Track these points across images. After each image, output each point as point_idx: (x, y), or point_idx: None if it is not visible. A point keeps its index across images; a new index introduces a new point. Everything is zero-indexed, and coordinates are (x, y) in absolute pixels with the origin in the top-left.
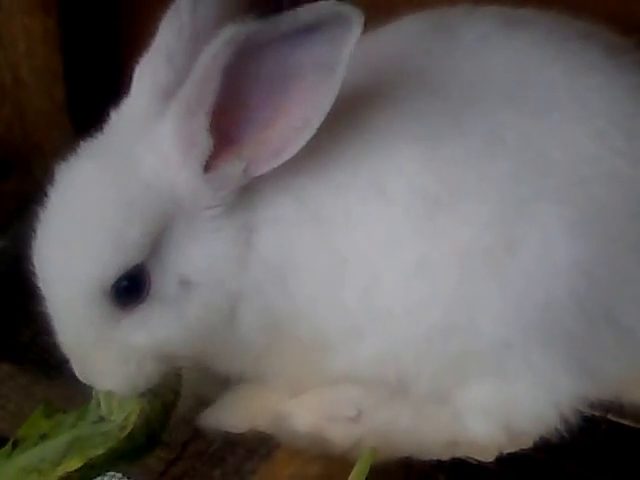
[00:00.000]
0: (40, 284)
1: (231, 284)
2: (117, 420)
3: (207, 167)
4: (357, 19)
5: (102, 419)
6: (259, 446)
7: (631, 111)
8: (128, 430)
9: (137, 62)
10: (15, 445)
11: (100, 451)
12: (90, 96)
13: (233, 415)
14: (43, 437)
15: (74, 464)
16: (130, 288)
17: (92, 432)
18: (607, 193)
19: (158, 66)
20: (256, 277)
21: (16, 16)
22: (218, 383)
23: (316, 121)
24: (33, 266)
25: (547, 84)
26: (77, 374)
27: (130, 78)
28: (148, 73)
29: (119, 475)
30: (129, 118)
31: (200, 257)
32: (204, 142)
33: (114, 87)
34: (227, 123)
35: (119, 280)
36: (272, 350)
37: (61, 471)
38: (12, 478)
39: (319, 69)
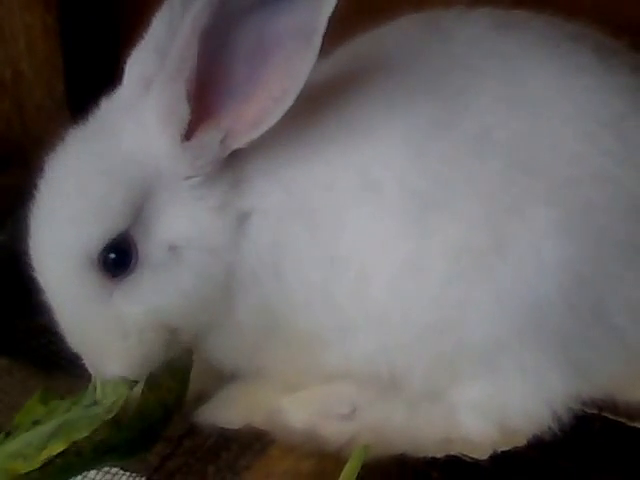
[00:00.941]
0: (34, 266)
1: (222, 254)
2: (108, 404)
3: (186, 137)
4: None
5: (95, 403)
6: (253, 442)
7: (621, 112)
8: (113, 413)
9: None
10: (9, 432)
11: (84, 434)
12: (90, 91)
13: (228, 411)
14: (36, 423)
15: (57, 447)
16: (117, 258)
17: (81, 416)
18: (596, 193)
19: (148, 58)
20: (250, 262)
21: (16, 12)
22: (213, 379)
23: (294, 91)
24: (30, 260)
25: (537, 85)
26: (85, 363)
27: None
28: (138, 65)
29: (115, 469)
30: (116, 106)
31: (183, 223)
32: (183, 111)
33: (114, 82)
34: (207, 94)
35: (105, 249)
36: (267, 344)
37: (45, 455)
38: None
39: (297, 36)
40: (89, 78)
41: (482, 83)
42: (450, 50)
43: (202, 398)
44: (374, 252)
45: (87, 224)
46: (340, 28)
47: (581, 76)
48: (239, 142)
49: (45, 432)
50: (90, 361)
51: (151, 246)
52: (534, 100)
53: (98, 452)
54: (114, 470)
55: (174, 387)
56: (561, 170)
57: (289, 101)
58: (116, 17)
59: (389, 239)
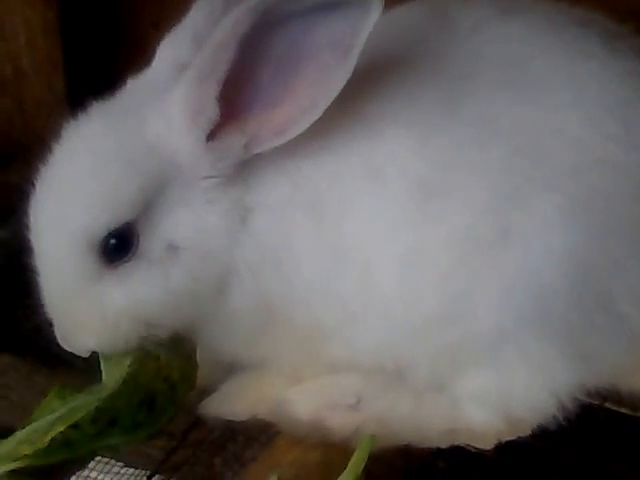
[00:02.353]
0: (31, 235)
1: (220, 256)
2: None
3: (210, 137)
4: (378, 2)
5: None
6: (259, 434)
7: (626, 97)
8: (110, 389)
9: (136, 53)
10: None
11: (84, 412)
12: (90, 87)
13: (234, 403)
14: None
15: (59, 428)
16: (118, 245)
17: (87, 399)
18: (601, 180)
19: (183, 44)
20: (249, 257)
21: (17, 8)
22: (218, 371)
23: (323, 103)
24: (30, 227)
25: (542, 71)
26: (57, 334)
27: (130, 68)
28: (171, 48)
29: (120, 464)
30: (144, 87)
31: (190, 225)
32: (211, 111)
33: (114, 78)
34: (235, 95)
35: (108, 236)
36: (266, 335)
37: (49, 436)
38: (7, 452)
39: (334, 49)
40: (89, 74)
41: (486, 69)
42: (455, 36)
43: (207, 391)
44: (378, 242)
45: (96, 208)
46: None
47: (586, 61)
48: (262, 147)
49: (51, 419)
50: (61, 331)
51: (152, 241)
52: (538, 86)
53: (98, 424)
54: (120, 464)
55: (177, 361)
56: (565, 156)
57: (318, 112)
58: (116, 13)
59: (393, 229)
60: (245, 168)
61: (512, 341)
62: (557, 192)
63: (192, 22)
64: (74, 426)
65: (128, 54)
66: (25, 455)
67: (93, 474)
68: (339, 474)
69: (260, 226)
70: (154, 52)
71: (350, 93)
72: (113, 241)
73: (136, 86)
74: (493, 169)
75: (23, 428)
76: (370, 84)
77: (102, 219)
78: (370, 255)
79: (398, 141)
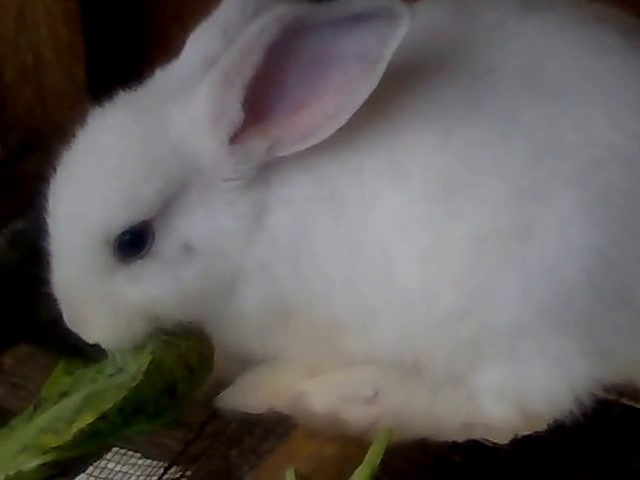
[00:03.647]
0: (49, 221)
1: (235, 258)
2: (131, 371)
3: (233, 139)
4: (407, 16)
5: (120, 370)
6: (276, 426)
7: None
8: (138, 380)
9: (158, 45)
10: (37, 406)
11: (112, 403)
12: (111, 77)
13: (251, 396)
14: (63, 395)
15: (87, 419)
16: (133, 242)
17: (107, 386)
18: (621, 176)
19: (213, 37)
20: (262, 255)
21: None
22: (235, 364)
23: (348, 111)
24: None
25: (563, 67)
26: (66, 320)
27: (151, 59)
28: (201, 41)
29: (138, 455)
30: (172, 79)
31: (207, 227)
32: (235, 114)
33: (135, 68)
34: (260, 99)
35: (124, 233)
36: (280, 331)
37: (75, 428)
38: (30, 440)
39: (361, 60)
40: (110, 64)
41: (508, 65)
42: (476, 32)
43: (224, 383)
44: (399, 238)
45: (114, 205)
46: None
47: (606, 57)
48: (284, 152)
49: (73, 404)
50: (72, 321)
51: (167, 240)
52: (559, 82)
53: (125, 414)
54: (137, 455)
55: (194, 347)
56: (586, 152)
57: (342, 120)
58: (138, 4)
59: (415, 224)
60: (266, 167)
61: (530, 336)
62: (577, 187)
63: (223, 16)
64: (101, 417)
65: (150, 45)
66: (53, 447)
67: (110, 465)
68: (355, 467)
69: (278, 222)
70: (175, 44)
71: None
72: (128, 238)
73: (163, 78)
74: (514, 164)
75: (36, 409)
76: (392, 80)
77: (119, 217)
78: (391, 250)
79: (420, 136)
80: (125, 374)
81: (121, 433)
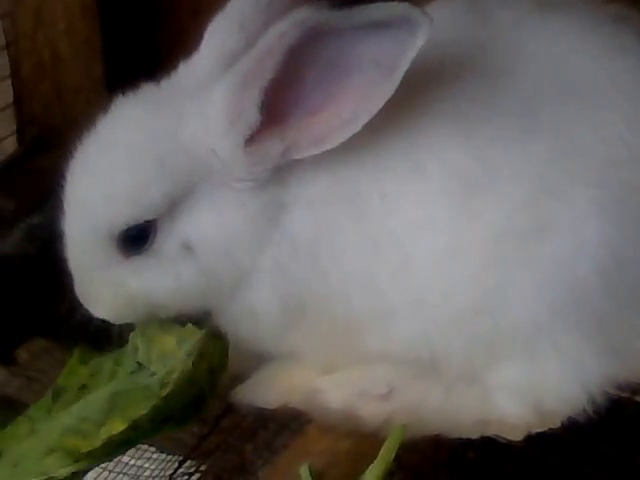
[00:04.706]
0: (64, 206)
1: (239, 258)
2: (158, 373)
3: (249, 141)
4: (426, 26)
5: (140, 366)
6: (291, 421)
7: None
8: (170, 389)
9: (175, 41)
10: (55, 396)
11: (142, 411)
12: (128, 73)
13: (266, 391)
14: (82, 388)
15: (117, 426)
16: (135, 238)
17: (132, 386)
18: (637, 175)
19: (230, 31)
20: (278, 255)
21: None
22: (250, 359)
23: (365, 117)
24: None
25: (580, 67)
26: (76, 294)
27: (168, 55)
28: (218, 36)
29: (152, 449)
30: (189, 76)
31: (211, 226)
32: (252, 116)
33: (152, 64)
34: (277, 102)
35: (127, 230)
36: (295, 328)
37: (105, 434)
38: (57, 440)
39: (379, 67)
40: (128, 60)
41: (526, 65)
42: (495, 32)
43: (239, 378)
44: (418, 236)
45: (122, 203)
46: None
47: (623, 58)
48: (300, 155)
49: (98, 404)
50: (80, 295)
51: (169, 238)
52: (575, 82)
53: (155, 423)
54: (152, 449)
55: (218, 346)
56: (602, 152)
57: (358, 126)
58: (156, 0)
59: (434, 223)
60: (281, 168)
61: (545, 333)
62: (593, 186)
63: (238, 8)
64: (135, 427)
65: (167, 41)
66: (83, 453)
67: (126, 459)
68: (370, 463)
69: (297, 222)
70: (192, 40)
71: None
72: (131, 234)
73: (182, 74)
74: (531, 163)
75: (55, 399)
76: (411, 80)
77: (123, 214)
78: (409, 249)
79: (439, 137)
80: (146, 372)
81: (148, 437)
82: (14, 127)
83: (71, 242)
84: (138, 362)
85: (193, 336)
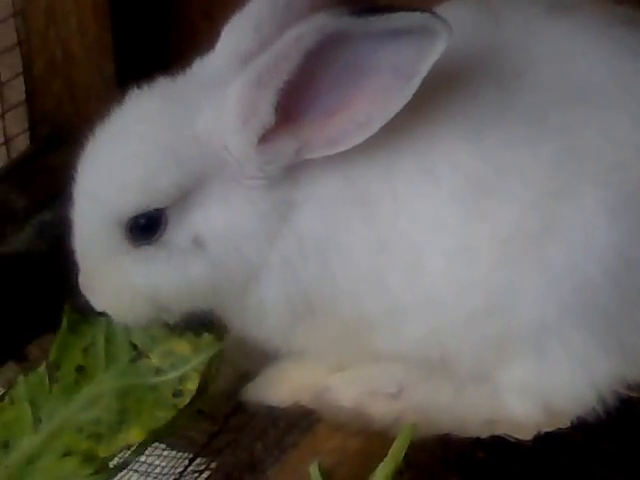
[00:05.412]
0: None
1: (249, 255)
2: (164, 370)
3: (262, 139)
4: (446, 34)
5: (139, 355)
6: (300, 420)
7: None
8: (188, 400)
9: (187, 40)
10: (51, 374)
11: (161, 422)
12: (140, 71)
13: (275, 389)
14: (80, 371)
15: (135, 437)
16: (144, 227)
17: (136, 380)
18: None
19: (246, 31)
20: (287, 252)
21: None
22: (261, 357)
23: (380, 121)
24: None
25: (589, 69)
26: (80, 285)
27: (180, 56)
28: (234, 36)
29: (163, 446)
30: (205, 72)
31: (222, 222)
32: (266, 115)
33: (163, 63)
34: (292, 102)
35: (136, 217)
36: (304, 327)
37: (122, 441)
38: (72, 441)
39: (396, 73)
40: (139, 58)
41: (535, 67)
42: (503, 34)
43: (249, 376)
44: (428, 237)
45: (131, 190)
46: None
47: (632, 60)
48: (313, 155)
49: (107, 401)
50: (84, 286)
51: (179, 231)
52: (585, 84)
53: (170, 427)
54: (162, 446)
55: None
56: (611, 154)
57: (372, 129)
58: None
59: (444, 225)
60: (294, 166)
61: (554, 333)
62: (602, 188)
63: (255, 9)
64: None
65: (178, 41)
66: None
67: None
68: (379, 461)
69: (306, 220)
70: (204, 41)
71: None
72: (140, 223)
73: (197, 70)
74: (541, 165)
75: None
76: (422, 83)
77: (132, 201)
78: (420, 249)
79: (451, 138)
80: (147, 364)
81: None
82: (26, 125)
83: (79, 229)
84: (135, 346)
85: (211, 347)
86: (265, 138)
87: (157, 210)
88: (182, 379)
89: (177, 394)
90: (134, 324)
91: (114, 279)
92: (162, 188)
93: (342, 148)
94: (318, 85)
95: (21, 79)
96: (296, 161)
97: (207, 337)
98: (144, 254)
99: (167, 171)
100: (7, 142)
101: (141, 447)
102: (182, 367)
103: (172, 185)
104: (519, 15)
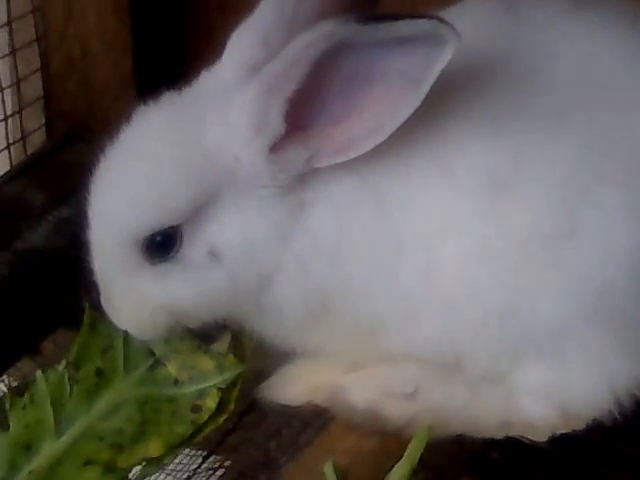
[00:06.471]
0: (89, 214)
1: (263, 263)
2: (182, 382)
3: (273, 149)
4: (454, 42)
5: (157, 362)
6: (314, 419)
7: None
8: (206, 417)
9: (203, 37)
10: (72, 375)
11: (179, 438)
12: (157, 70)
13: (290, 388)
14: (100, 375)
15: (155, 449)
16: (160, 245)
17: (155, 389)
18: None
19: (252, 42)
20: (301, 253)
21: None
22: (276, 356)
23: (389, 127)
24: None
25: (610, 67)
26: (102, 303)
27: (196, 51)
28: (240, 47)
29: None
30: (211, 85)
31: (237, 233)
32: (276, 125)
33: (180, 59)
34: (301, 110)
35: (152, 235)
36: (318, 326)
37: (142, 453)
38: (93, 451)
39: (405, 80)
40: (157, 57)
41: (557, 65)
42: (525, 32)
43: (264, 375)
44: (444, 237)
45: (146, 209)
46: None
47: None
48: (324, 163)
49: (128, 411)
50: (106, 306)
51: (195, 245)
52: (607, 83)
53: (187, 442)
54: None
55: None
56: (631, 154)
57: (382, 136)
58: None
59: (460, 224)
60: (305, 172)
61: (571, 335)
62: (622, 188)
63: (261, 20)
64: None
65: (195, 38)
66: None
67: None
68: (393, 461)
69: (319, 220)
70: (220, 36)
71: None
72: (156, 240)
73: (204, 83)
74: (560, 165)
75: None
76: (439, 80)
77: (147, 220)
78: (435, 249)
79: (468, 137)
80: (165, 372)
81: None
82: (43, 121)
83: (96, 250)
84: (153, 353)
85: (235, 368)
86: (275, 148)
87: (172, 227)
88: (201, 395)
89: (196, 409)
90: (155, 340)
91: (133, 297)
92: (176, 205)
93: (352, 155)
94: (326, 93)
95: (38, 75)
96: (308, 169)
97: (231, 358)
98: (161, 270)
99: (180, 188)
100: (24, 138)
101: (158, 462)
102: (202, 382)
103: (185, 201)
104: (542, 13)
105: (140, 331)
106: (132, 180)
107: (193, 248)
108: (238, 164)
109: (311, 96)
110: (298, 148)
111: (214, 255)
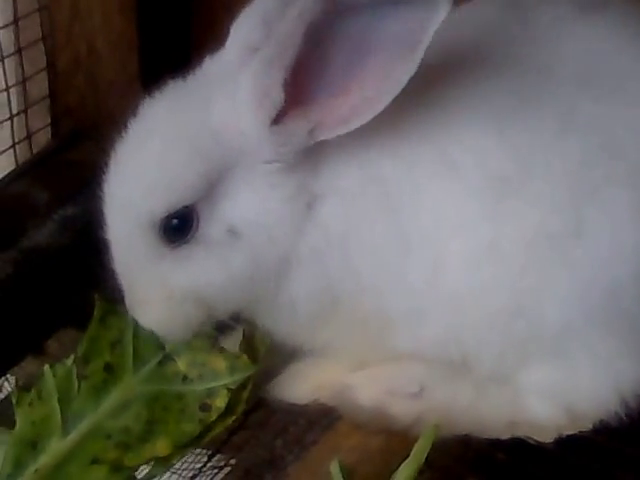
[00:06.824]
0: (104, 209)
1: (281, 242)
2: (191, 379)
3: (275, 121)
4: (446, 2)
5: (165, 356)
6: (321, 417)
7: None
8: (214, 417)
9: (208, 35)
10: (80, 370)
11: (187, 439)
12: (163, 67)
13: (296, 387)
14: (108, 370)
15: (162, 449)
16: (177, 227)
17: (164, 385)
18: None
19: (253, 27)
20: (314, 244)
21: None
22: (283, 354)
23: (388, 95)
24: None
25: (617, 67)
26: (126, 305)
27: (201, 48)
28: (242, 31)
29: None
30: (216, 68)
31: (251, 209)
32: (277, 96)
33: (186, 60)
34: (301, 82)
35: (168, 217)
36: (329, 321)
37: (149, 453)
38: (100, 449)
39: (400, 44)
40: (163, 54)
41: (564, 65)
42: (532, 32)
43: (270, 373)
44: (450, 235)
45: (159, 190)
46: None
47: None
48: (326, 135)
49: (136, 409)
50: (130, 306)
51: (212, 224)
52: (614, 83)
53: (195, 442)
54: None
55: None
56: (638, 153)
57: (382, 104)
58: None
59: (466, 222)
60: (314, 155)
61: (578, 336)
62: (629, 189)
63: (262, 5)
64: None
65: (199, 34)
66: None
67: None
68: (400, 460)
69: (329, 213)
70: (224, 33)
71: (427, 85)
72: (172, 222)
73: (207, 69)
74: (567, 165)
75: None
76: (448, 76)
77: (161, 201)
78: (441, 247)
79: (475, 136)
80: (174, 368)
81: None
82: (48, 120)
83: (115, 243)
84: (163, 349)
85: (247, 370)
86: (278, 120)
87: (186, 207)
88: (211, 394)
89: (204, 408)
90: (183, 338)
91: (159, 288)
92: (187, 183)
93: (354, 126)
94: (324, 64)
95: (44, 74)
96: (310, 143)
97: (245, 359)
98: (183, 254)
99: (190, 165)
100: (29, 137)
101: (165, 462)
102: (212, 381)
103: (197, 178)
104: (550, 13)
105: (170, 328)
106: (142, 164)
107: (211, 227)
108: (245, 139)
109: (310, 67)
110: (299, 120)
111: (233, 232)
